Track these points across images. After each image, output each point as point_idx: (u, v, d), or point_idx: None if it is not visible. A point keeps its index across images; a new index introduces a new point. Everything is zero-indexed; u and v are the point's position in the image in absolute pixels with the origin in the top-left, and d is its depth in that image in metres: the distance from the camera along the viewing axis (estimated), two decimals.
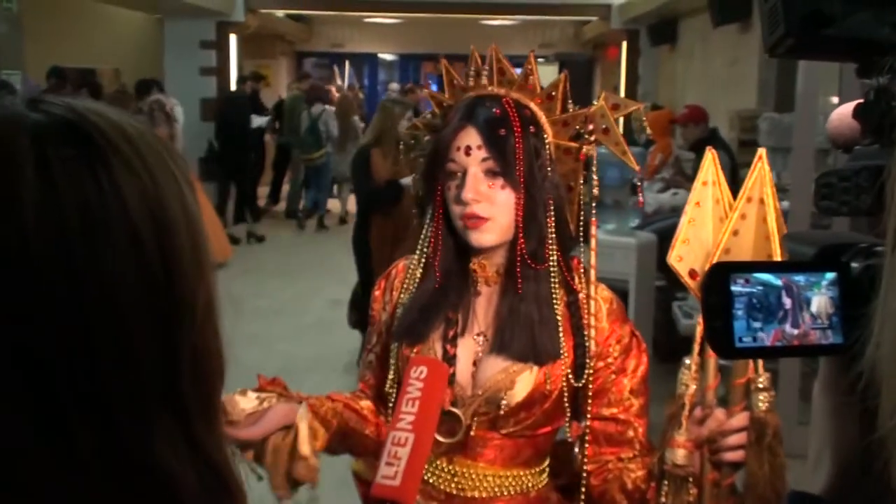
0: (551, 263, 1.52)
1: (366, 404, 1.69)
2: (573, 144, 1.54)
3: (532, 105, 1.54)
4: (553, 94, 1.55)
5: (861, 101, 0.70)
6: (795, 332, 0.67)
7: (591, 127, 1.54)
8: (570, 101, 1.56)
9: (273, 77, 15.94)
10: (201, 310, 0.61)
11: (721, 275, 0.66)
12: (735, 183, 1.40)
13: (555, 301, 1.52)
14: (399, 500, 1.28)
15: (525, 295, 1.51)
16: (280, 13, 14.70)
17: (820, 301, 0.67)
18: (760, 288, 0.66)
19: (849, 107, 0.79)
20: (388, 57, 19.76)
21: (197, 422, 0.61)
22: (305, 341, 6.50)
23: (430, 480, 1.57)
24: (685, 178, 6.83)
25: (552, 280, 1.52)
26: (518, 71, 1.56)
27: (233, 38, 12.72)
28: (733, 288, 0.65)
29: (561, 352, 1.51)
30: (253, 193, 11.26)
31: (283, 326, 6.84)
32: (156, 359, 0.58)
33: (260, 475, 1.45)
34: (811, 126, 4.69)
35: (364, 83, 18.63)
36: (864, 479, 0.63)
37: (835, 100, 5.04)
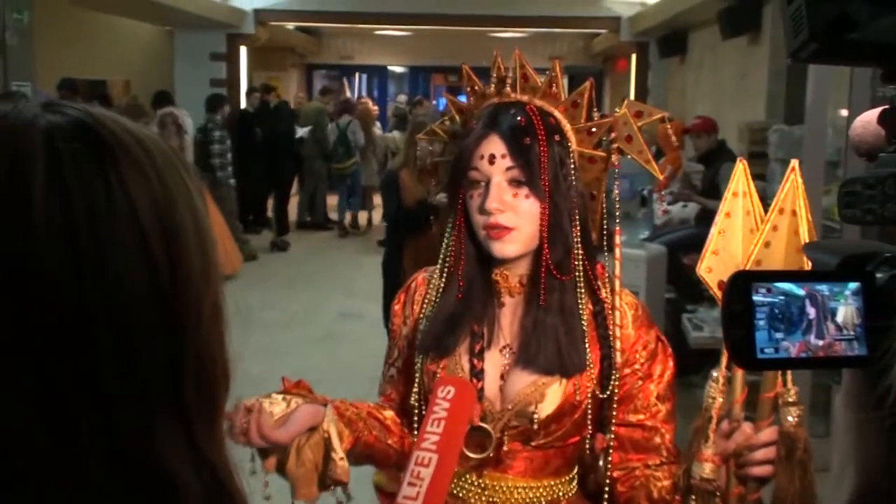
0: (577, 274, 1.50)
1: (389, 414, 1.65)
2: (598, 153, 1.52)
3: (556, 113, 1.51)
4: (578, 101, 1.52)
5: (887, 106, 0.68)
6: (820, 343, 0.65)
7: (613, 135, 1.52)
8: (595, 110, 1.53)
9: (283, 89, 15.96)
10: (207, 316, 0.61)
11: (742, 283, 0.64)
12: None
13: (581, 312, 1.50)
14: None
15: (550, 306, 1.48)
16: (290, 26, 14.74)
17: (846, 311, 0.65)
18: (782, 298, 0.64)
19: (872, 114, 0.77)
20: (398, 69, 19.79)
21: (199, 427, 0.61)
22: (313, 353, 6.49)
23: (460, 494, 1.55)
24: (694, 190, 6.81)
25: (578, 290, 1.50)
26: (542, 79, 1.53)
27: (243, 50, 12.77)
28: (755, 297, 0.63)
29: (588, 363, 1.49)
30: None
31: (290, 338, 6.83)
32: (158, 360, 0.59)
33: (267, 496, 1.42)
34: (821, 138, 4.67)
35: (374, 95, 18.68)
36: (890, 500, 0.61)
37: (844, 112, 5.01)
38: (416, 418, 1.55)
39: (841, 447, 0.69)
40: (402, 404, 1.64)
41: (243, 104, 12.13)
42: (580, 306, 1.50)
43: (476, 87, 1.58)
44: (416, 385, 1.56)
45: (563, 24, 13.27)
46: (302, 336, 6.96)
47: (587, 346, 1.49)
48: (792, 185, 1.30)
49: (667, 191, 7.27)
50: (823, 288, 0.65)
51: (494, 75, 1.55)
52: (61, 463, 0.56)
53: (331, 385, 5.51)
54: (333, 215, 12.42)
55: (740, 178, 1.38)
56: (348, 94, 14.75)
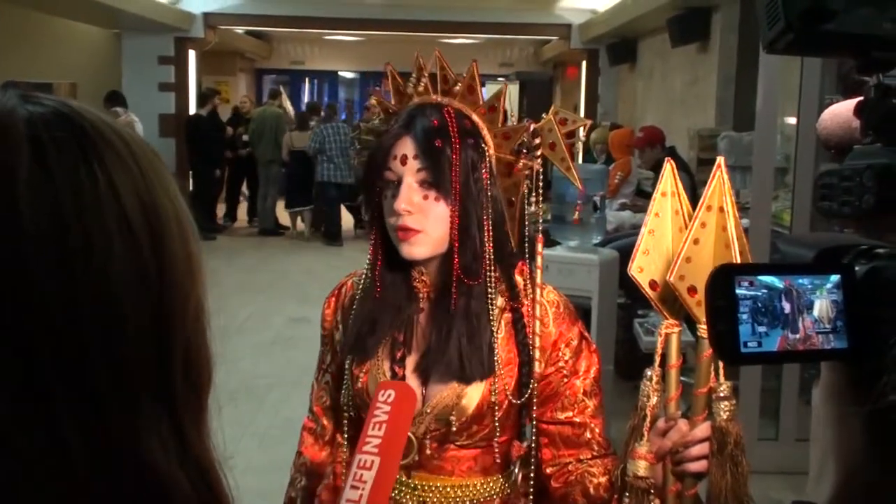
0: (488, 278, 1.48)
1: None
2: (513, 158, 1.51)
3: (474, 116, 1.51)
4: (495, 105, 1.51)
5: (861, 98, 0.68)
6: (797, 336, 0.64)
7: (537, 141, 1.51)
8: (512, 115, 1.52)
9: (232, 93, 15.84)
10: (193, 309, 0.61)
11: (726, 277, 0.63)
12: (695, 200, 1.39)
13: (491, 318, 1.49)
14: None
15: (456, 311, 1.48)
16: (240, 30, 14.62)
17: (822, 304, 0.65)
18: (765, 291, 0.63)
19: (840, 107, 0.77)
20: (349, 75, 19.73)
21: (187, 423, 0.61)
22: (266, 359, 6.42)
23: (393, 495, 1.53)
24: (646, 198, 6.87)
25: (489, 296, 1.49)
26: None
27: (192, 54, 12.62)
28: (738, 291, 0.62)
29: (496, 369, 1.48)
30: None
31: (243, 344, 6.74)
32: (147, 352, 0.58)
33: None
34: (770, 145, 4.75)
35: (324, 100, 18.62)
36: (872, 492, 0.61)
37: (792, 120, 5.10)
38: (345, 420, 1.57)
39: (819, 442, 0.68)
40: (337, 409, 1.64)
41: (192, 109, 12.00)
42: (490, 312, 1.49)
43: (399, 87, 1.58)
44: (343, 387, 1.57)
45: (514, 30, 13.35)
46: (255, 342, 6.88)
47: (495, 351, 1.48)
48: (718, 182, 1.31)
49: (619, 200, 7.34)
50: (805, 281, 0.64)
51: (415, 76, 1.55)
52: (44, 462, 0.54)
53: (283, 389, 5.48)
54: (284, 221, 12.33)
55: (668, 178, 1.39)
56: (286, 104, 14.69)
